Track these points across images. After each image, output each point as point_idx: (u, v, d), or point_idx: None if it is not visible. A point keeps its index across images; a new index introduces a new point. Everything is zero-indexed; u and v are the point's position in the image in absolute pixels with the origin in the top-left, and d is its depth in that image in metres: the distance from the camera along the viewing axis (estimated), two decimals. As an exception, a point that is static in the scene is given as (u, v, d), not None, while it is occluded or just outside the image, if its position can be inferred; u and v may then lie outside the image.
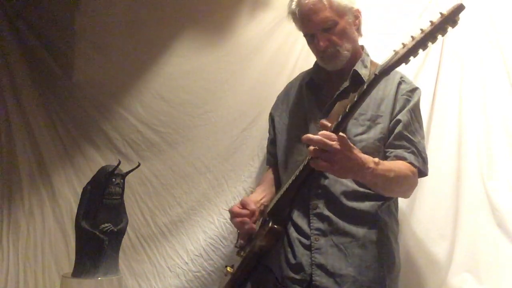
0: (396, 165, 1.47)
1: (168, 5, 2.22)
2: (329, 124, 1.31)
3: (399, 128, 1.52)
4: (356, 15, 1.61)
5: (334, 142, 1.26)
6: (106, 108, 2.18)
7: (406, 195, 1.59)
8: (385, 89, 1.56)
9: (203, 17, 2.20)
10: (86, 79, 2.21)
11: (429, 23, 1.22)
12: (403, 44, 1.26)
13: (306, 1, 1.52)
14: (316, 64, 1.71)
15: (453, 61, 1.93)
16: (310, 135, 1.28)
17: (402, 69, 1.61)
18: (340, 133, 1.30)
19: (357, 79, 1.56)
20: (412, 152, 1.51)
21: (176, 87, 2.17)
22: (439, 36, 1.23)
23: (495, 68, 1.88)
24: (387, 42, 1.95)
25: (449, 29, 1.21)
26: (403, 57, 1.25)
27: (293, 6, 1.57)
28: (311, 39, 1.59)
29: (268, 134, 1.86)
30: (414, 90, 1.59)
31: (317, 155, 1.28)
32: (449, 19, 1.20)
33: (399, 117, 1.53)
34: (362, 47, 1.67)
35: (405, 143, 1.51)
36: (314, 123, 1.60)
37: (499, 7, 1.90)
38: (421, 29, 1.23)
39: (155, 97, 2.17)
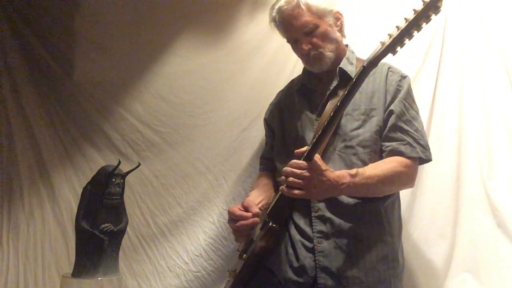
0: (383, 166, 1.47)
1: (168, 5, 2.22)
2: (304, 149, 1.37)
3: (392, 119, 1.52)
4: (337, 17, 1.63)
5: (303, 171, 1.34)
6: (106, 108, 2.18)
7: (405, 188, 1.60)
8: (375, 81, 1.57)
9: (203, 17, 2.20)
10: (86, 79, 2.21)
11: (412, 12, 1.24)
12: (389, 35, 1.28)
13: (285, 7, 1.57)
14: (304, 70, 1.73)
15: (453, 61, 1.93)
16: (284, 169, 1.36)
17: (403, 67, 1.63)
18: (316, 155, 1.35)
19: (344, 76, 1.58)
20: (408, 144, 1.50)
21: (176, 87, 2.17)
22: (423, 24, 1.24)
23: (495, 68, 1.88)
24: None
25: (433, 16, 1.23)
26: (389, 47, 1.27)
27: (274, 13, 1.61)
28: (295, 44, 1.62)
29: (264, 140, 1.87)
30: (403, 78, 1.59)
31: (289, 184, 1.35)
32: (431, 6, 1.21)
33: (391, 107, 1.53)
34: (347, 45, 1.69)
35: (400, 135, 1.51)
36: (310, 126, 1.61)
37: (499, 7, 1.90)
38: (405, 18, 1.25)
39: (155, 97, 2.17)
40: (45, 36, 2.24)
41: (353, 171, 1.42)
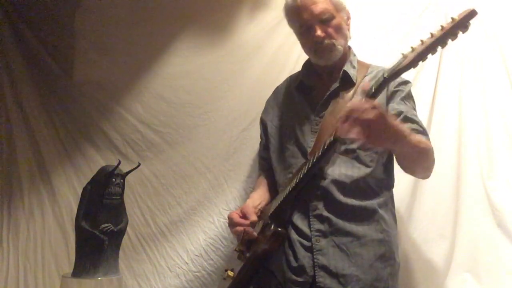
0: (422, 138, 1.46)
1: (168, 5, 2.22)
2: (367, 88, 1.27)
3: (402, 114, 1.51)
4: (348, 16, 1.64)
5: (374, 111, 1.20)
6: (106, 108, 2.17)
7: (428, 171, 1.56)
8: None
9: (203, 17, 2.20)
10: (86, 79, 2.21)
11: (440, 28, 1.20)
12: (412, 48, 1.24)
13: None
14: (305, 66, 1.73)
15: (453, 61, 1.93)
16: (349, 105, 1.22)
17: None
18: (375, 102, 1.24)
19: (347, 79, 1.58)
20: (421, 132, 1.50)
21: (176, 87, 2.17)
22: (449, 41, 1.21)
23: (495, 68, 1.88)
24: (387, 40, 1.96)
25: (460, 34, 1.19)
26: (413, 62, 1.24)
27: None
28: (307, 32, 1.59)
29: (260, 139, 1.86)
30: (406, 82, 1.60)
31: (352, 123, 1.20)
32: (461, 25, 1.18)
33: (395, 107, 1.52)
34: (349, 47, 1.69)
35: (411, 125, 1.50)
36: (308, 124, 1.61)
37: (499, 6, 1.90)
38: (431, 34, 1.21)
39: (155, 97, 2.17)
40: (45, 36, 2.24)
41: (408, 129, 1.37)
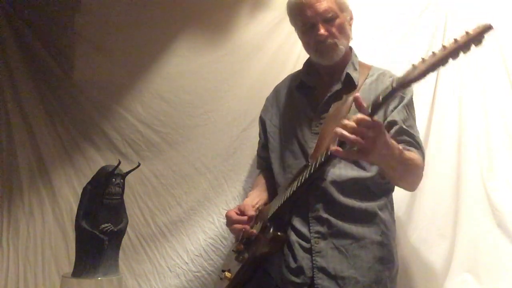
0: (413, 155, 1.47)
1: (168, 5, 2.22)
2: (365, 105, 1.23)
3: (398, 124, 1.51)
4: (351, 16, 1.64)
5: (369, 130, 1.20)
6: (106, 108, 2.17)
7: (414, 186, 1.58)
8: (377, 90, 1.55)
9: (203, 17, 2.20)
10: (86, 79, 2.21)
11: (453, 41, 1.17)
12: (422, 59, 1.21)
13: None
14: (305, 65, 1.73)
15: (453, 61, 1.92)
16: (347, 123, 1.20)
17: (403, 67, 1.62)
18: (374, 118, 1.23)
19: (349, 82, 1.58)
20: (414, 146, 1.50)
21: (176, 87, 2.17)
22: (461, 54, 1.18)
23: (495, 68, 1.88)
24: (386, 41, 1.96)
25: (472, 47, 1.16)
26: (423, 73, 1.20)
27: None
28: (310, 30, 1.58)
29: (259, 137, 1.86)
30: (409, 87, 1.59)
31: (350, 143, 1.21)
32: (475, 39, 1.15)
33: (394, 114, 1.52)
34: (351, 48, 1.68)
35: (406, 138, 1.50)
36: (308, 124, 1.60)
37: (499, 6, 1.90)
38: (444, 46, 1.18)
39: (155, 97, 2.17)
40: (45, 36, 2.23)
41: (400, 146, 1.38)
